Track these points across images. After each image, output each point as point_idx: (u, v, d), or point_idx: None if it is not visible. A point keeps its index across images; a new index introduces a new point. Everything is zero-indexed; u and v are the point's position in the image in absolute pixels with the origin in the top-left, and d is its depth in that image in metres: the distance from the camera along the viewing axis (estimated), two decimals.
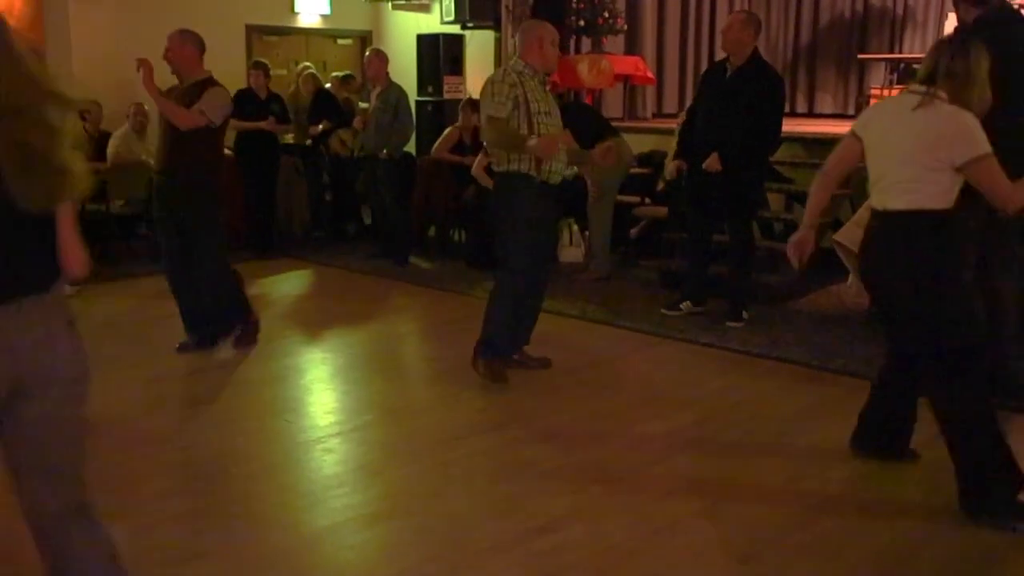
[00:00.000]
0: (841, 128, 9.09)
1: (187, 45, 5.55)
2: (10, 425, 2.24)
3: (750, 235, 6.25)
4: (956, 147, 3.32)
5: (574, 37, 10.36)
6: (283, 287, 7.46)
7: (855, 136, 3.70)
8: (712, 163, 5.86)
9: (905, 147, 3.42)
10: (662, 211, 7.66)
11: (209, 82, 5.51)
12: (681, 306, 6.33)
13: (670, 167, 6.48)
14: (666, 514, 3.49)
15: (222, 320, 5.63)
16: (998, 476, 3.39)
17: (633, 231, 8.19)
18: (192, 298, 5.57)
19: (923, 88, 3.43)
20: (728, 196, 5.95)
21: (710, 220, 6.23)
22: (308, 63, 10.00)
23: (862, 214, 6.16)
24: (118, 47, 9.08)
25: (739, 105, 5.78)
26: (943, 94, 3.37)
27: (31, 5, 8.76)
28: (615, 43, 10.42)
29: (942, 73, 3.39)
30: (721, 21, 11.99)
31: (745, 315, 6.15)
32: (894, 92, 10.37)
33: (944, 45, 3.54)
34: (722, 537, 3.34)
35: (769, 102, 5.87)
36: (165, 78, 5.59)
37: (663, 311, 6.37)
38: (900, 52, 12.13)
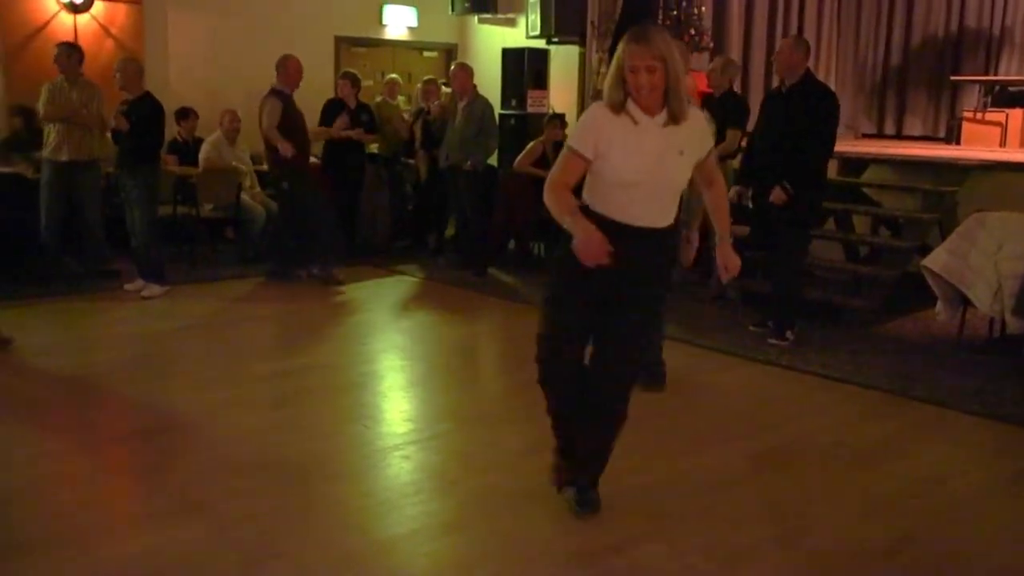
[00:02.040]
0: (931, 151, 8.90)
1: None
2: None
3: (799, 250, 6.15)
4: None
5: None
6: (362, 294, 7.56)
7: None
8: (777, 196, 5.87)
9: None
10: (744, 230, 7.55)
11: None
12: (769, 322, 6.25)
13: (731, 192, 6.42)
14: (744, 537, 3.44)
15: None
16: None
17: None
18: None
19: None
20: (782, 209, 5.90)
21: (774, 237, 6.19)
22: (394, 74, 10.15)
23: (955, 240, 6.02)
24: (213, 56, 9.36)
25: (793, 123, 5.82)
26: None
27: (132, 16, 9.07)
28: (700, 60, 10.35)
29: None
30: (809, 39, 11.84)
31: (790, 335, 6.06)
32: (988, 115, 10.12)
33: None
34: (800, 564, 3.28)
35: (821, 115, 5.85)
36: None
37: (751, 328, 6.32)
38: (996, 74, 11.79)
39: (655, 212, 3.24)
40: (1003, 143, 9.96)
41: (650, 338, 3.93)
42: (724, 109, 6.93)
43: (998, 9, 11.96)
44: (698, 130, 3.28)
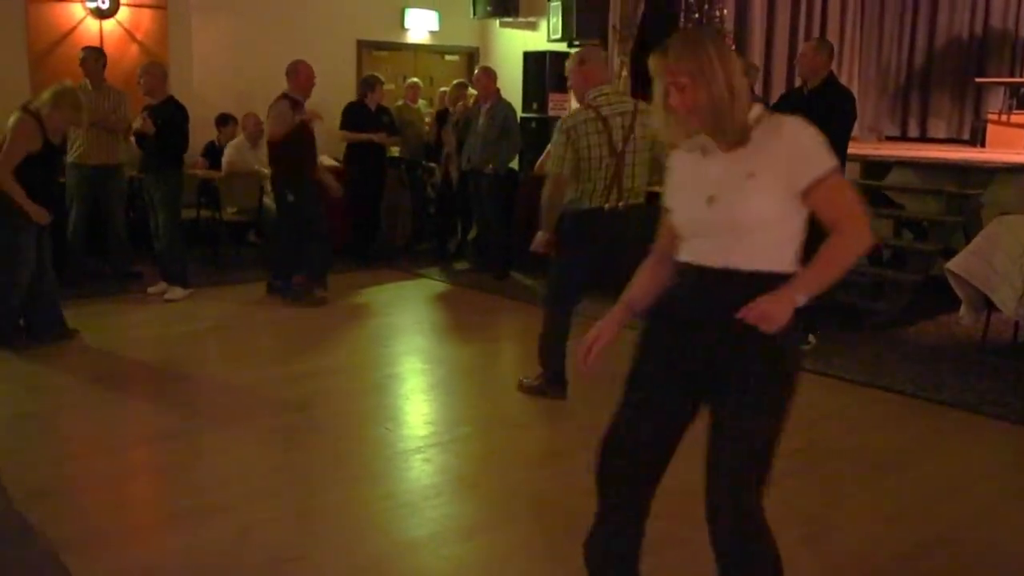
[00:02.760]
0: (955, 154, 8.83)
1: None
2: None
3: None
4: None
5: None
6: (384, 297, 7.59)
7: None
8: None
9: None
10: None
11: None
12: (811, 339, 6.19)
13: None
14: None
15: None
16: None
17: None
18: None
19: None
20: None
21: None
22: (416, 78, 10.19)
23: (979, 243, 5.98)
24: (236, 61, 9.43)
25: (814, 123, 5.74)
26: None
27: (157, 22, 9.15)
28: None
29: None
30: (832, 41, 11.79)
31: (812, 338, 6.03)
32: (1013, 117, 10.04)
33: None
34: (823, 568, 3.27)
35: (836, 113, 5.83)
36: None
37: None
38: (1021, 76, 11.70)
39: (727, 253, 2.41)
40: None
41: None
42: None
43: None
44: (786, 144, 2.45)
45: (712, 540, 2.62)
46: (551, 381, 5.02)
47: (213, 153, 8.74)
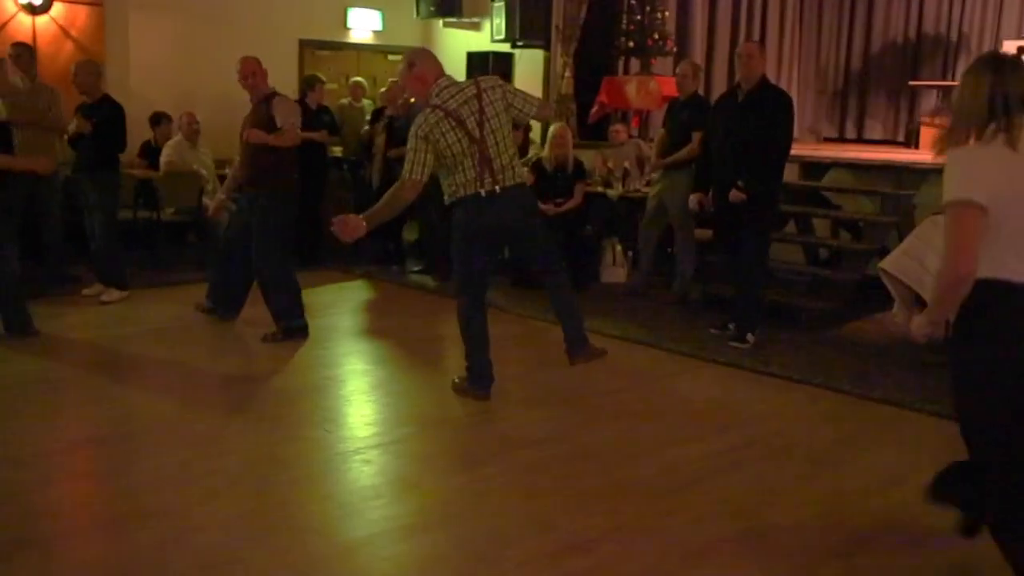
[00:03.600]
0: (890, 155, 9.02)
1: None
2: None
3: (761, 254, 6.22)
4: None
5: (623, 58, 10.40)
6: (325, 298, 7.53)
7: (980, 207, 2.65)
8: (735, 196, 5.93)
9: None
10: (706, 233, 7.62)
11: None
12: (730, 325, 6.31)
13: (692, 200, 6.53)
14: (701, 538, 3.47)
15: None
16: None
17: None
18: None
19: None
20: (742, 212, 5.96)
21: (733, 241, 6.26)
22: (359, 78, 10.13)
23: (911, 242, 6.10)
24: (175, 59, 9.30)
25: (752, 129, 5.87)
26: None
27: (93, 19, 8.99)
28: (664, 64, 10.42)
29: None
30: (771, 45, 11.97)
31: (751, 338, 6.12)
32: (946, 120, 10.26)
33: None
34: (755, 564, 3.32)
35: (778, 118, 5.93)
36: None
37: (711, 331, 6.39)
38: (953, 79, 11.97)
39: None
40: None
41: None
42: (692, 113, 7.03)
43: (955, 15, 12.16)
44: None
45: None
46: (472, 376, 5.05)
47: (150, 153, 8.61)
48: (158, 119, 8.66)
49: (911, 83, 12.06)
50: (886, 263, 6.17)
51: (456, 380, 5.15)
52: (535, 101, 5.00)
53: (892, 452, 4.46)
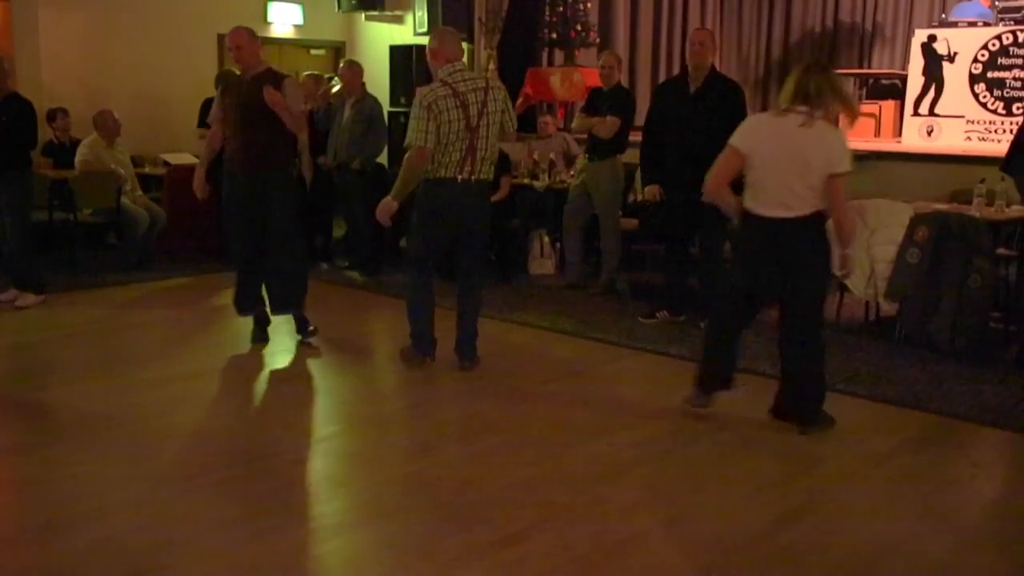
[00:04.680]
0: None
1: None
2: None
3: (722, 242, 6.30)
4: (835, 159, 4.09)
5: (547, 50, 10.42)
6: None
7: (738, 151, 4.25)
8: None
9: (799, 160, 4.06)
10: (632, 223, 7.69)
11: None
12: (657, 315, 6.38)
13: (650, 191, 6.38)
14: (632, 526, 3.50)
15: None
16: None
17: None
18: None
19: (804, 108, 4.08)
20: (704, 207, 5.97)
21: (688, 232, 6.31)
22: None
23: (829, 228, 6.22)
24: (88, 54, 9.05)
25: (709, 121, 5.85)
26: (819, 112, 4.08)
27: (0, 14, 8.69)
28: (588, 56, 10.48)
29: (813, 93, 4.07)
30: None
31: (663, 314, 6.39)
32: (863, 107, 10.53)
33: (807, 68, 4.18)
34: (686, 549, 3.35)
35: (738, 110, 5.94)
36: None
37: (640, 319, 6.44)
38: (869, 67, 12.27)
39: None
40: (877, 133, 10.36)
41: None
42: (614, 102, 7.04)
43: (870, 5, 12.46)
44: None
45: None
46: (414, 342, 5.27)
47: (53, 151, 8.34)
48: (53, 115, 8.37)
49: None
50: None
51: (402, 349, 5.36)
52: (514, 124, 5.24)
53: (813, 433, 4.54)
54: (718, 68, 6.42)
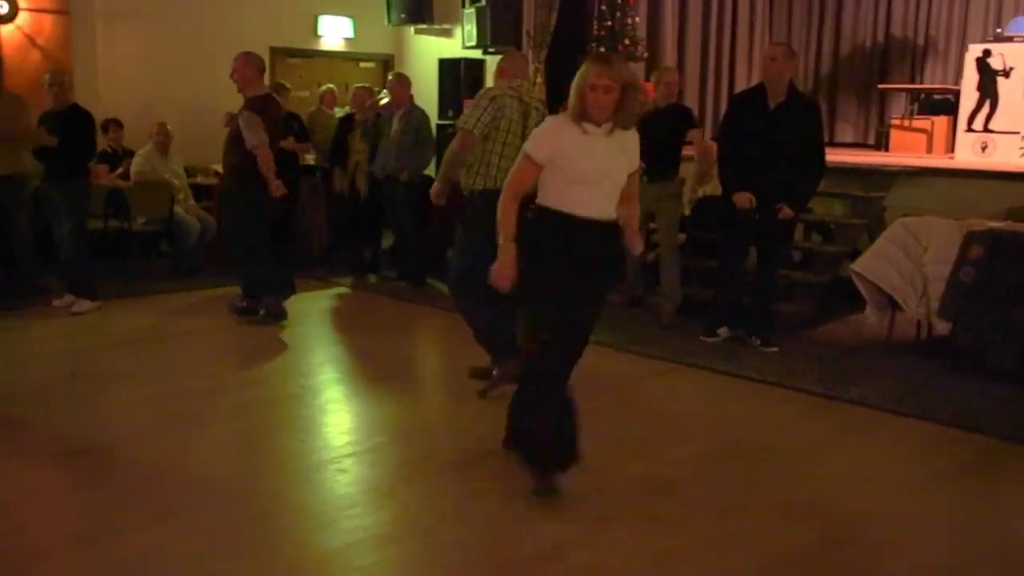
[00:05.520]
0: (861, 158, 9.10)
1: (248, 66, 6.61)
2: None
3: (783, 260, 6.26)
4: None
5: None
6: (299, 308, 7.48)
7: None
8: (786, 215, 5.88)
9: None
10: (680, 237, 7.64)
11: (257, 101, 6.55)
12: (719, 331, 6.32)
13: (740, 198, 6.01)
14: (678, 542, 3.48)
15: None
16: None
17: (650, 256, 8.17)
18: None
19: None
20: (777, 224, 5.94)
21: (745, 247, 6.24)
22: (331, 84, 10.09)
23: (882, 244, 6.16)
24: (143, 68, 9.23)
25: (790, 139, 5.81)
26: None
27: (60, 26, 8.90)
28: (635, 71, 10.46)
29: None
30: (741, 49, 12.05)
31: (723, 331, 6.34)
32: (915, 123, 10.39)
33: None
34: (730, 568, 3.32)
35: (817, 131, 5.96)
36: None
37: (701, 338, 6.35)
38: (921, 82, 12.11)
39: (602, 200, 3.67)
40: (929, 149, 10.21)
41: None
42: (682, 117, 6.80)
43: (922, 19, 12.29)
44: (633, 141, 3.77)
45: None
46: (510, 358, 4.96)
47: (107, 158, 8.50)
48: (107, 126, 8.54)
49: (880, 86, 12.18)
50: (858, 265, 6.23)
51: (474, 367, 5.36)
52: None
53: (863, 453, 4.49)
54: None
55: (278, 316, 6.80)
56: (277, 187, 6.49)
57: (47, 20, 8.82)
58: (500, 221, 3.67)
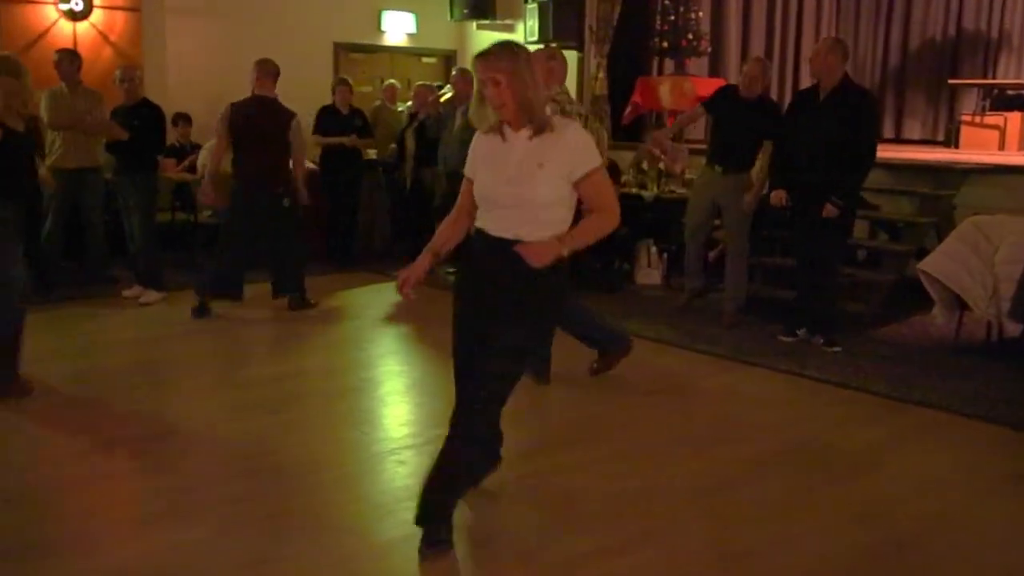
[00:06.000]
0: (929, 154, 8.91)
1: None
2: None
3: (842, 258, 6.13)
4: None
5: (657, 59, 10.36)
6: (361, 300, 7.57)
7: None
8: (829, 212, 5.75)
9: None
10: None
11: None
12: (798, 332, 6.23)
13: (776, 196, 6.09)
14: (737, 542, 3.45)
15: None
16: None
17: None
18: None
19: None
20: (824, 221, 5.81)
21: (814, 245, 6.10)
22: (393, 80, 10.16)
23: (952, 244, 6.03)
24: (211, 62, 9.39)
25: (834, 131, 5.69)
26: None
27: (131, 24, 9.10)
28: (698, 65, 10.38)
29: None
30: (807, 44, 11.86)
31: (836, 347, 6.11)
32: (987, 119, 10.14)
33: None
34: (794, 567, 3.29)
35: (863, 122, 5.78)
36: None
37: (780, 337, 6.26)
38: (994, 77, 11.81)
39: (517, 224, 3.13)
40: (1002, 146, 9.98)
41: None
42: (765, 118, 6.46)
43: (996, 12, 11.99)
44: (568, 144, 3.12)
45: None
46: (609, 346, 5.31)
47: (175, 152, 8.68)
48: (176, 120, 8.73)
49: (951, 81, 11.90)
50: (926, 264, 6.10)
51: (593, 365, 5.38)
52: None
53: (930, 455, 4.40)
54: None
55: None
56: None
57: (119, 17, 9.03)
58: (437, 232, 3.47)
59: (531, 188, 3.09)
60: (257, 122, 6.58)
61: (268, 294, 7.03)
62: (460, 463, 3.33)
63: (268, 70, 6.75)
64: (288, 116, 6.69)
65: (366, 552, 3.35)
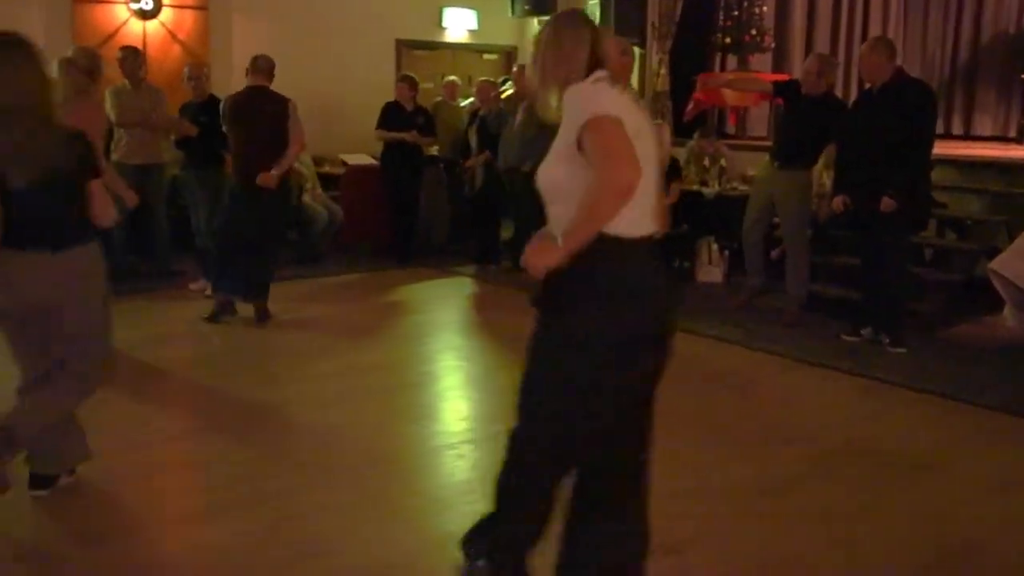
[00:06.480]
0: (1000, 151, 8.69)
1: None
2: None
3: (905, 257, 6.01)
4: None
5: (720, 55, 10.25)
6: (421, 295, 7.63)
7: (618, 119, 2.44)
8: (887, 205, 5.64)
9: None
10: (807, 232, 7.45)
11: None
12: (863, 332, 6.14)
13: (837, 203, 6.02)
14: (793, 544, 3.41)
15: None
16: None
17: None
18: None
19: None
20: (882, 216, 5.71)
21: (876, 243, 6.00)
22: (454, 76, 10.21)
23: (1022, 242, 5.88)
24: (275, 59, 9.50)
25: (887, 125, 5.61)
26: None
27: (199, 22, 9.28)
28: (762, 61, 10.24)
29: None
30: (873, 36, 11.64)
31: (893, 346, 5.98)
32: None
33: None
34: (854, 569, 3.24)
35: (915, 112, 5.67)
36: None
37: (844, 337, 6.17)
38: None
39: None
40: None
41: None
42: (828, 118, 6.35)
43: None
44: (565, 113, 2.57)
45: None
46: None
47: None
48: None
49: (1023, 76, 11.60)
50: (996, 264, 5.96)
51: None
52: None
53: (995, 460, 4.30)
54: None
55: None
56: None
57: (188, 15, 9.20)
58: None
59: (542, 175, 2.69)
60: (258, 106, 6.54)
61: (327, 289, 7.12)
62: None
63: (260, 67, 6.70)
64: (285, 100, 6.68)
65: (424, 546, 3.38)
